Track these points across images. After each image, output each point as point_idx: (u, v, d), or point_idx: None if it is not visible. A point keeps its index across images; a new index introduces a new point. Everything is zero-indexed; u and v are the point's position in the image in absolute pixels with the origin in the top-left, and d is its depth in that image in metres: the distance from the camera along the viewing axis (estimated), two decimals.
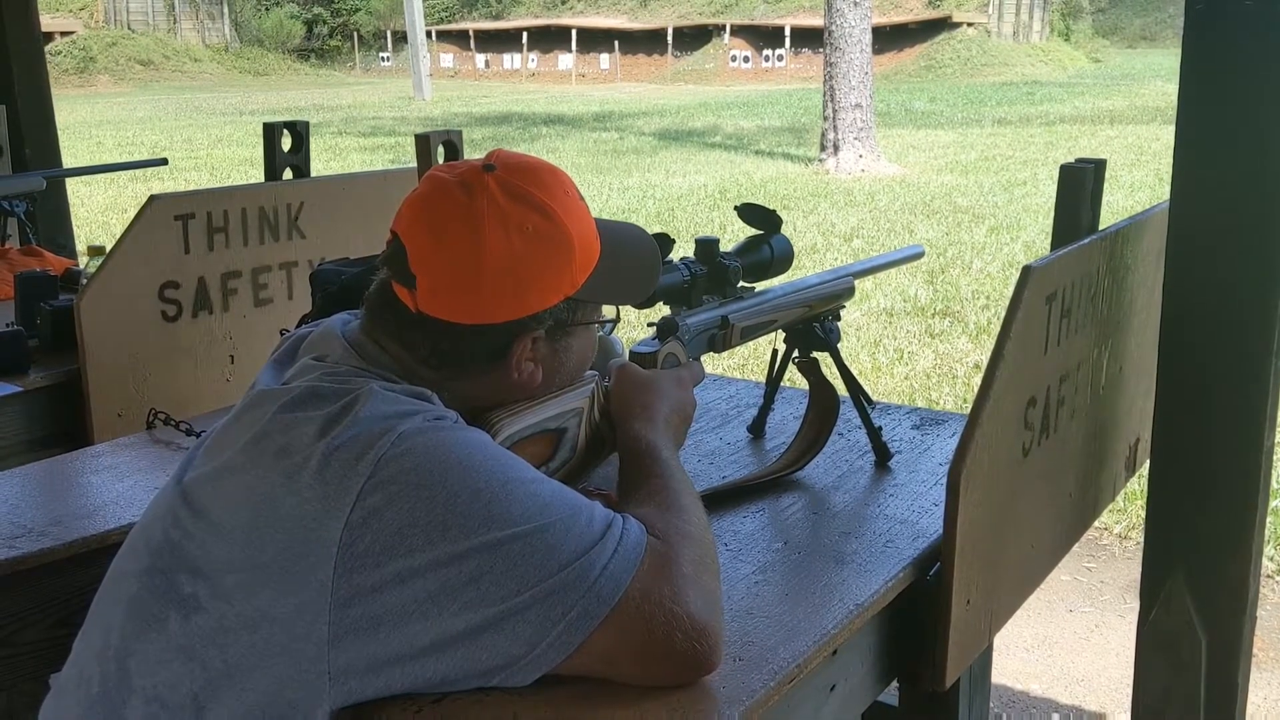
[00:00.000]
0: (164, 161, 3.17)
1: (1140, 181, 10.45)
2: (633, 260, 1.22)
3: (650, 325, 1.41)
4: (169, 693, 0.97)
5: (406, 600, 0.92)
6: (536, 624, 0.93)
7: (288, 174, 2.59)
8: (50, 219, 3.46)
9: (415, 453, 0.96)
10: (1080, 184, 1.57)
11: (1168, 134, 1.50)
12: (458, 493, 0.95)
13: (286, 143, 2.57)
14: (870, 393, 1.69)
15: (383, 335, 1.10)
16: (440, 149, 2.25)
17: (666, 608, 0.97)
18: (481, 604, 0.93)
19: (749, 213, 1.54)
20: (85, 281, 2.17)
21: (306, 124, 2.61)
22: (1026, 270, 1.31)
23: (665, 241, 1.36)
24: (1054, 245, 1.56)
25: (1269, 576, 3.25)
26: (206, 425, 1.78)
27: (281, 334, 1.26)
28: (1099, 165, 1.60)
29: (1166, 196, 1.57)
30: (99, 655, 1.03)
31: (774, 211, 1.54)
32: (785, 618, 1.16)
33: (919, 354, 5.51)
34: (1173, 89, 1.48)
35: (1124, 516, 3.65)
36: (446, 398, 1.08)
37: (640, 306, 1.35)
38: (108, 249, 2.22)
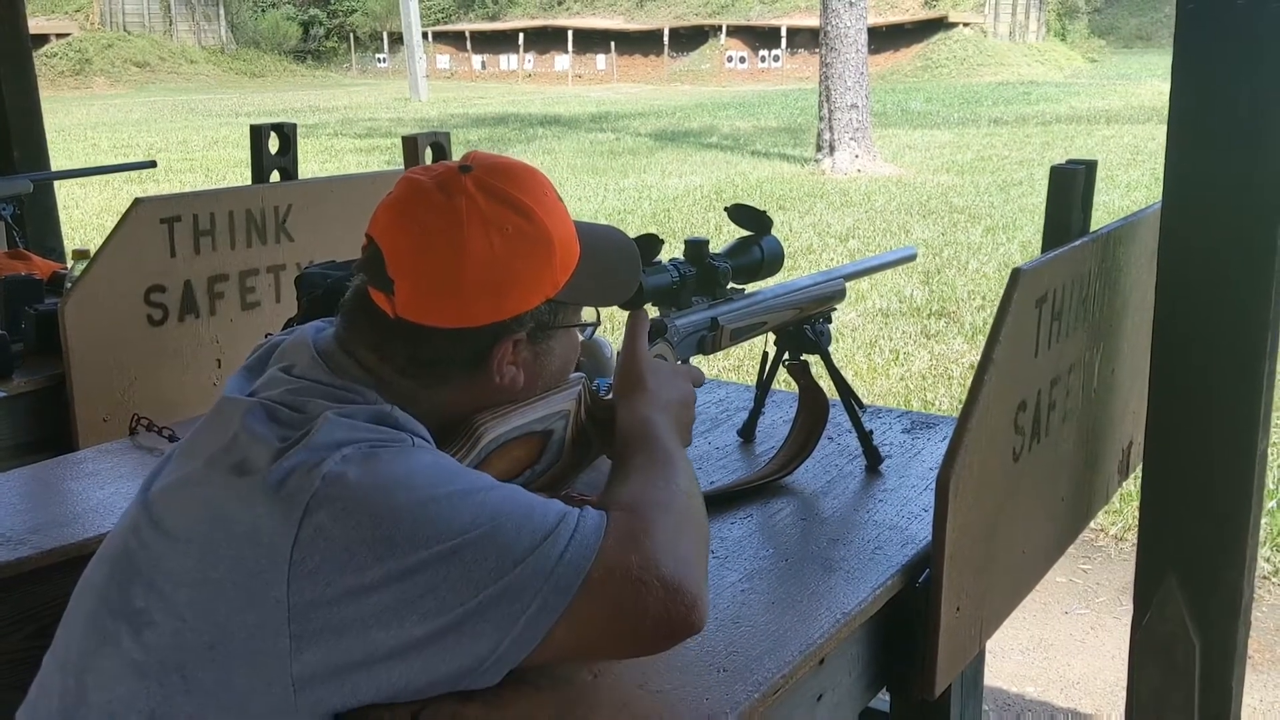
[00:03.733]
0: (153, 164, 3.16)
1: (1136, 181, 10.44)
2: (613, 262, 1.20)
3: None
4: (124, 710, 0.96)
5: (365, 613, 0.92)
6: (497, 622, 0.93)
7: (275, 176, 2.57)
8: (39, 222, 3.44)
9: (362, 470, 0.95)
10: (1070, 186, 1.55)
11: (1164, 133, 1.48)
12: (404, 506, 0.93)
13: (274, 144, 2.55)
14: (865, 394, 1.67)
15: (358, 344, 1.08)
16: (428, 151, 2.24)
17: (634, 578, 0.95)
18: (440, 611, 0.92)
19: (739, 213, 1.53)
20: (69, 285, 2.15)
21: (294, 126, 2.59)
22: (1016, 273, 1.29)
23: (654, 242, 1.34)
24: (1044, 247, 1.54)
25: (1264, 578, 3.23)
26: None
27: (266, 338, 1.24)
28: (1089, 167, 1.58)
29: None
30: (61, 669, 1.02)
31: (764, 212, 1.53)
32: (772, 626, 1.15)
33: (914, 355, 5.49)
34: (1169, 88, 1.47)
35: (1120, 518, 3.63)
36: (424, 408, 1.06)
37: (628, 308, 1.33)
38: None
